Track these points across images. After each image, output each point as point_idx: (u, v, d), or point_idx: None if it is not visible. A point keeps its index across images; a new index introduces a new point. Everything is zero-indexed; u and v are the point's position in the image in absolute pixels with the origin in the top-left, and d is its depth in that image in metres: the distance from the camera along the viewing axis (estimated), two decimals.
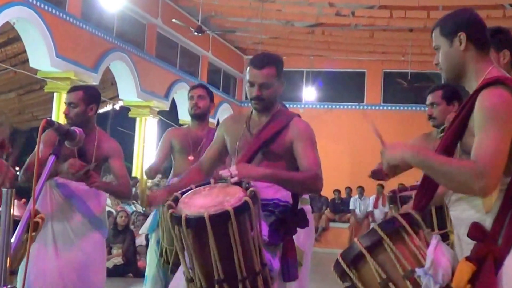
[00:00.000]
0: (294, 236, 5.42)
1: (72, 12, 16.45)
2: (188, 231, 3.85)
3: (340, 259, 3.55)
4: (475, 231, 3.18)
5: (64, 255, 5.88)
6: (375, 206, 21.70)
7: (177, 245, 4.07)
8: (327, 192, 23.09)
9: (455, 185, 3.16)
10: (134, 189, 19.07)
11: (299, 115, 4.93)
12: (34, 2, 14.83)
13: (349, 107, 25.90)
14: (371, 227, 3.62)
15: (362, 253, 3.47)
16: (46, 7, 15.30)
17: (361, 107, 25.89)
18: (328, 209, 22.70)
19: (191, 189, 4.23)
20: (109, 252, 13.81)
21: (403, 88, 24.08)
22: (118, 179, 6.15)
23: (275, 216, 4.49)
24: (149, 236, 7.58)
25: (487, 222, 3.16)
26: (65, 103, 5.98)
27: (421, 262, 3.31)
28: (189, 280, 4.10)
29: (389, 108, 25.42)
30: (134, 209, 17.17)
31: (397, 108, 25.07)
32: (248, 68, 4.82)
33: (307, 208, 6.51)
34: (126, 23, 19.17)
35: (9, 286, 2.98)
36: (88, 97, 6.00)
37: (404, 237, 3.44)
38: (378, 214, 21.25)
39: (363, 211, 22.12)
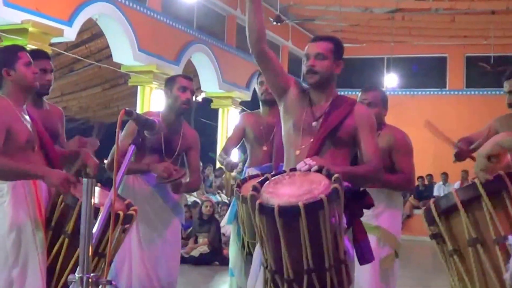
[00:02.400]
0: (388, 225, 5.47)
1: (152, 7, 16.56)
2: (280, 221, 3.76)
3: (432, 206, 3.43)
4: None
5: (146, 240, 6.02)
6: None
7: (262, 235, 3.99)
8: None
9: None
10: (219, 179, 19.21)
11: (356, 101, 4.85)
12: None
13: (432, 93, 25.58)
14: None
15: (456, 206, 3.33)
16: (127, 2, 15.42)
17: (444, 92, 25.53)
18: (412, 196, 22.42)
19: (267, 178, 4.13)
20: (195, 241, 13.96)
21: (486, 72, 23.63)
22: (192, 172, 6.27)
23: (345, 201, 4.26)
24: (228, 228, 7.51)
25: None
26: (184, 87, 6.06)
27: None
28: (274, 271, 4.00)
29: (473, 93, 25.00)
30: (219, 198, 17.28)
31: (481, 92, 24.60)
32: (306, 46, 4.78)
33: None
34: (206, 15, 19.21)
35: (92, 274, 3.00)
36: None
37: (505, 200, 3.30)
38: None
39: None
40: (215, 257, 13.47)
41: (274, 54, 4.87)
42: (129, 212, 4.86)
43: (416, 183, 22.76)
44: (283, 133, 4.82)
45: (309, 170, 4.16)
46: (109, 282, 3.10)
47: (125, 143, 5.70)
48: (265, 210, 3.82)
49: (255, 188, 4.02)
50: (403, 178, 5.98)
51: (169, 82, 6.14)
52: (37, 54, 5.57)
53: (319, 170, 4.11)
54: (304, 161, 4.22)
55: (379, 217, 6.00)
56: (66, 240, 4.68)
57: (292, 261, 3.88)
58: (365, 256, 4.52)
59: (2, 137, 4.59)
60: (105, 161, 6.19)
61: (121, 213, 4.67)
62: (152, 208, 6.05)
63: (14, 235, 4.63)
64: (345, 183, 4.38)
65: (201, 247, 13.72)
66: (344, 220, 4.22)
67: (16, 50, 4.86)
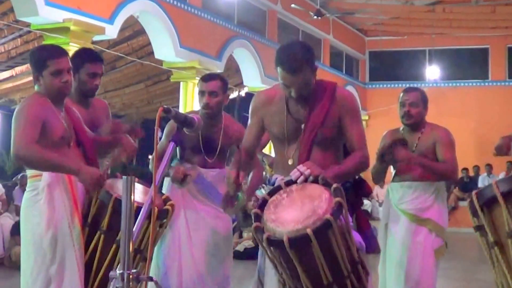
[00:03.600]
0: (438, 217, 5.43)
1: (193, 3, 16.69)
2: (292, 252, 3.66)
3: (474, 198, 3.38)
4: None
5: (196, 238, 5.94)
6: None
7: (275, 262, 3.91)
8: None
9: None
10: (264, 172, 19.16)
11: (336, 83, 4.67)
12: None
13: (474, 84, 25.44)
14: None
15: (496, 198, 3.28)
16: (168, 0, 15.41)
17: (486, 83, 25.37)
18: (457, 188, 22.23)
19: (266, 200, 3.98)
20: (240, 236, 13.91)
21: None
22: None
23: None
24: None
25: None
26: (202, 91, 5.94)
27: None
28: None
29: None
30: (263, 192, 17.25)
31: None
32: None
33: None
34: (247, 11, 19.25)
35: (133, 271, 2.97)
36: (225, 85, 6.03)
37: None
38: None
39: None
40: None
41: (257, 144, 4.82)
42: (165, 207, 4.86)
43: (461, 174, 22.60)
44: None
45: (305, 180, 4.02)
46: (150, 279, 3.09)
47: (165, 141, 5.68)
48: (274, 243, 3.73)
49: (257, 217, 3.89)
50: (447, 167, 6.06)
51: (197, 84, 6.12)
52: (91, 57, 5.50)
53: (316, 180, 3.98)
54: (298, 169, 4.09)
55: (429, 210, 6.13)
56: (102, 236, 4.70)
57: (311, 281, 3.81)
58: (371, 245, 4.49)
59: (38, 129, 4.61)
60: (150, 157, 6.19)
61: (156, 208, 4.63)
62: (200, 204, 6.00)
63: (51, 233, 4.62)
64: None
65: (246, 242, 13.70)
66: (350, 219, 4.16)
67: (45, 57, 4.77)
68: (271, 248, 3.77)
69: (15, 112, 4.69)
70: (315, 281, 3.79)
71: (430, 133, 6.17)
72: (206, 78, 6.07)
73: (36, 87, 4.86)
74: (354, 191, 4.50)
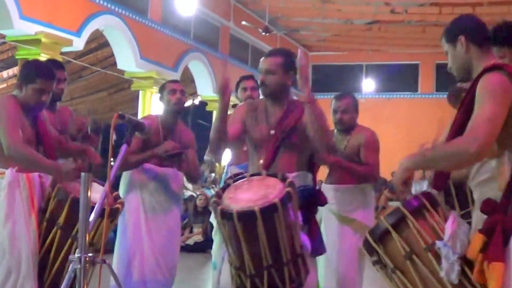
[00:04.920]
0: (363, 216, 6.03)
1: (153, 18, 16.61)
2: (239, 225, 3.80)
3: (368, 236, 3.56)
4: (486, 205, 3.16)
5: (154, 230, 6.10)
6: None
7: (225, 237, 4.04)
8: (386, 174, 22.90)
9: (456, 160, 3.12)
10: (213, 174, 19.25)
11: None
12: (119, 10, 15.04)
13: (405, 96, 25.66)
14: None
15: (388, 230, 3.47)
16: (130, 15, 15.50)
17: (416, 96, 25.64)
18: (387, 189, 22.50)
19: (229, 184, 4.16)
20: (191, 231, 14.00)
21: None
22: (191, 165, 6.27)
23: (301, 200, 4.34)
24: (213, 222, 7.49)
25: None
26: (173, 89, 6.13)
27: (440, 236, 3.33)
28: (237, 268, 4.06)
29: (442, 96, 24.97)
30: (213, 192, 17.31)
31: None
32: None
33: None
34: (202, 26, 19.23)
35: (90, 254, 3.10)
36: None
37: (425, 214, 3.47)
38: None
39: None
40: (209, 245, 13.51)
41: (231, 133, 4.66)
42: (116, 206, 4.85)
43: (391, 178, 22.88)
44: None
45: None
46: (104, 261, 3.21)
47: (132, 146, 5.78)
48: (226, 215, 3.85)
49: (217, 195, 4.06)
50: (367, 169, 6.12)
51: (161, 89, 6.25)
52: (53, 65, 5.60)
53: (275, 175, 4.14)
54: None
55: (355, 212, 6.21)
56: (59, 231, 4.70)
57: (252, 259, 3.92)
58: (317, 249, 4.60)
59: (19, 128, 4.67)
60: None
61: (107, 208, 4.70)
62: (157, 200, 6.13)
63: (9, 227, 4.67)
64: (305, 184, 4.57)
65: (196, 236, 13.83)
66: (300, 218, 4.28)
67: (37, 74, 4.81)
68: (223, 220, 3.88)
69: None
70: (256, 260, 3.91)
71: (357, 135, 6.19)
72: (174, 80, 6.59)
73: (15, 92, 4.90)
74: (310, 200, 4.60)
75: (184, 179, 6.58)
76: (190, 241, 13.56)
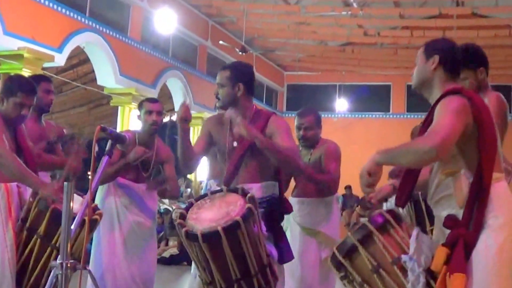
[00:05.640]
0: (327, 228, 5.60)
1: (133, 36, 16.72)
2: (204, 245, 3.84)
3: (336, 252, 3.64)
4: (449, 220, 3.29)
5: (129, 243, 6.11)
6: None
7: (193, 256, 4.07)
8: (358, 191, 23.04)
9: (416, 156, 3.25)
10: (189, 189, 19.27)
11: (275, 113, 4.88)
12: (100, 28, 15.12)
13: (377, 116, 25.77)
14: None
15: (355, 245, 3.56)
16: (111, 33, 15.57)
17: (388, 116, 25.77)
18: (359, 206, 22.61)
19: (192, 204, 4.18)
20: (166, 244, 14.01)
21: (424, 99, 23.88)
22: (170, 181, 6.30)
23: (266, 210, 4.45)
24: None
25: (461, 215, 3.25)
26: (150, 111, 6.13)
27: (405, 250, 3.42)
28: (208, 284, 4.10)
29: (413, 116, 25.19)
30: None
31: (420, 116, 24.63)
32: None
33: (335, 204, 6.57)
34: (180, 45, 19.35)
35: (71, 260, 3.17)
36: (162, 108, 6.32)
37: (390, 230, 3.57)
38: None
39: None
40: (184, 258, 13.57)
41: (196, 149, 4.83)
42: (94, 217, 4.85)
43: (363, 194, 22.97)
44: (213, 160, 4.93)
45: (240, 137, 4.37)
46: (85, 267, 3.28)
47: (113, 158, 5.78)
48: (191, 236, 3.89)
49: (181, 216, 4.07)
50: (327, 177, 6.13)
51: (139, 107, 6.26)
52: (40, 78, 5.81)
53: (235, 190, 4.18)
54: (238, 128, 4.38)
55: (320, 224, 6.25)
56: (39, 240, 4.71)
57: (222, 274, 3.97)
58: (284, 257, 4.63)
59: (4, 138, 4.71)
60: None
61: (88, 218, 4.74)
62: (132, 214, 6.15)
63: None
64: (271, 194, 4.59)
65: (171, 249, 13.82)
66: (264, 228, 4.31)
67: (18, 88, 4.85)
68: (189, 241, 3.91)
69: None
70: (225, 275, 3.95)
71: (320, 146, 6.22)
72: (152, 100, 6.37)
73: None
74: (275, 208, 4.64)
75: None
76: (166, 254, 13.57)
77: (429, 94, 3.59)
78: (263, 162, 4.62)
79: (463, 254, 3.16)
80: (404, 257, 3.37)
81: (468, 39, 18.23)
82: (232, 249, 3.86)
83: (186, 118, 4.65)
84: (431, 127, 3.27)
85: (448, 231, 3.30)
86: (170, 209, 15.74)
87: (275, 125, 4.68)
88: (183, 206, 16.33)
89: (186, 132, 4.67)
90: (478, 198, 3.23)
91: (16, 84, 4.93)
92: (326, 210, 6.30)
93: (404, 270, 3.38)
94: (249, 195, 4.05)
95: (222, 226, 3.83)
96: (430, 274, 3.31)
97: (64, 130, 6.19)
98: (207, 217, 3.98)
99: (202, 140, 4.87)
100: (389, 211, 3.63)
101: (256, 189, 4.48)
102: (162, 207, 16.03)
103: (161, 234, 14.46)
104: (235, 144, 4.67)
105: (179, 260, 13.50)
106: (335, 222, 6.43)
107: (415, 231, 3.44)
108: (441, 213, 3.41)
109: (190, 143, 4.70)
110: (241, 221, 3.84)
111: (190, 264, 12.20)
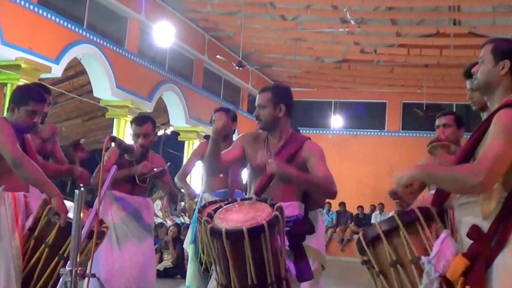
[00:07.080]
0: (315, 242, 5.62)
1: (130, 49, 16.86)
2: (227, 242, 3.90)
3: (361, 236, 3.69)
4: (474, 232, 3.23)
5: (126, 255, 6.15)
6: None
7: (213, 255, 4.11)
8: (352, 208, 23.10)
9: (458, 185, 3.22)
10: (182, 203, 19.29)
11: (310, 138, 4.90)
12: (98, 40, 15.20)
13: (372, 133, 25.86)
14: None
15: (380, 235, 3.60)
16: (108, 45, 15.66)
17: (383, 133, 25.86)
18: (353, 223, 22.66)
19: (220, 206, 4.25)
20: (161, 257, 14.03)
21: (419, 117, 24.02)
22: (167, 187, 6.46)
23: (289, 228, 4.49)
24: (188, 249, 7.47)
25: (484, 227, 3.20)
26: (137, 134, 6.21)
27: (428, 252, 3.41)
28: (224, 286, 4.13)
29: (407, 134, 25.33)
30: (182, 220, 17.37)
31: (414, 134, 24.88)
32: None
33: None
34: (177, 59, 19.46)
35: (80, 268, 3.21)
36: (154, 125, 6.41)
37: (418, 228, 3.55)
38: None
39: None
40: (178, 271, 13.60)
41: (227, 158, 4.88)
42: (102, 229, 4.91)
43: (357, 211, 23.08)
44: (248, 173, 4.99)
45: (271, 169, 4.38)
46: (93, 275, 3.32)
47: (107, 165, 5.84)
48: (215, 233, 3.95)
49: (209, 215, 4.14)
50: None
51: (131, 124, 6.38)
52: (43, 89, 5.76)
53: (265, 200, 4.26)
54: (268, 161, 4.45)
55: (308, 239, 6.23)
56: (47, 249, 4.75)
57: (238, 277, 4.00)
58: (303, 276, 4.65)
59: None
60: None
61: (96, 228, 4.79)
62: (129, 228, 6.21)
63: None
64: (293, 212, 4.61)
65: (166, 262, 13.85)
66: (287, 243, 4.42)
67: (29, 97, 4.95)
68: (213, 237, 3.97)
69: None
70: (242, 279, 3.99)
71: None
72: (140, 121, 6.33)
73: (6, 114, 5.03)
74: (297, 227, 4.71)
75: (155, 207, 6.69)
76: (160, 267, 13.58)
77: (489, 98, 3.49)
78: (293, 183, 4.61)
79: (484, 270, 3.18)
80: (423, 259, 3.36)
81: (465, 58, 18.40)
82: (252, 251, 3.91)
83: (221, 133, 4.70)
84: (483, 152, 3.20)
85: (469, 240, 3.30)
86: (164, 222, 15.77)
87: (310, 150, 4.73)
88: (177, 219, 16.33)
89: (218, 145, 4.73)
90: (507, 215, 3.24)
91: (26, 93, 5.03)
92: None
93: (421, 271, 3.39)
94: (277, 205, 4.11)
95: (247, 227, 3.90)
96: (446, 281, 3.29)
97: (55, 126, 6.26)
98: (234, 218, 4.07)
99: (234, 153, 4.91)
100: (422, 209, 3.60)
101: (285, 207, 4.51)
102: (156, 220, 16.06)
103: (156, 246, 14.46)
104: (269, 161, 4.58)
105: (173, 273, 13.55)
106: (321, 235, 6.45)
107: (443, 234, 3.43)
108: (463, 217, 3.37)
109: (220, 155, 4.77)
110: (266, 226, 3.91)
111: (184, 278, 12.30)
